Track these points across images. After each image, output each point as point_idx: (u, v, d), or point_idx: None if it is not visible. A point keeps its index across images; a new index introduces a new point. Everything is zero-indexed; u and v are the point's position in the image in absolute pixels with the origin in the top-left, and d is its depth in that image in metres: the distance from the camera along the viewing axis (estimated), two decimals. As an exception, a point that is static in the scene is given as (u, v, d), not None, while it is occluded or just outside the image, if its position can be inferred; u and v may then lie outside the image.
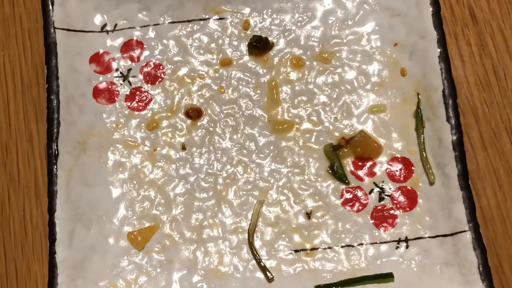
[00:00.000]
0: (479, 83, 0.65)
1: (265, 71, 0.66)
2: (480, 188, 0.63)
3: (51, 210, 0.59)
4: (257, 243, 0.61)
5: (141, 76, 0.66)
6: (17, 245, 0.62)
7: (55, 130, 0.61)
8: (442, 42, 0.63)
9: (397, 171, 0.63)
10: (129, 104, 0.65)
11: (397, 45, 0.66)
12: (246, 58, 0.66)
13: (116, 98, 0.65)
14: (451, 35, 0.66)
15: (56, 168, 0.60)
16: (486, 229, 0.61)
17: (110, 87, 0.65)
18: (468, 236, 0.58)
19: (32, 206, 0.63)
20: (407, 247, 0.60)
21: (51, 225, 0.59)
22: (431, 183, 0.61)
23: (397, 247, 0.60)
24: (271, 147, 0.64)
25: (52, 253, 0.58)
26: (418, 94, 0.63)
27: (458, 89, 0.63)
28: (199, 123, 0.65)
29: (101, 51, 0.66)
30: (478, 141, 0.64)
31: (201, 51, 0.66)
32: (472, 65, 0.66)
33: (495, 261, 0.60)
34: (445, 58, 0.63)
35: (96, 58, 0.65)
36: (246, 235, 0.61)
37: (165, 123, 0.65)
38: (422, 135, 0.63)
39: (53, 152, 0.60)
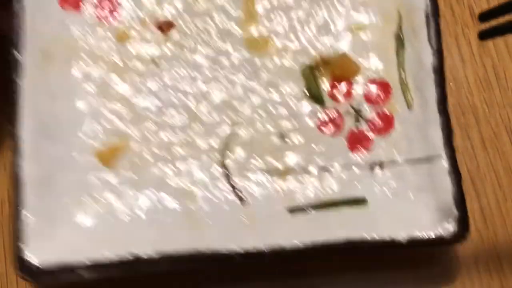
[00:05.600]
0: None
1: (241, -16, 0.63)
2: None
3: (15, 122, 0.56)
4: (229, 164, 0.59)
5: (110, -16, 0.62)
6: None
7: (19, 39, 0.57)
8: (429, -43, 0.61)
9: (374, 93, 0.61)
10: (97, 12, 0.61)
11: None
12: (222, -32, 0.63)
13: (83, 6, 0.61)
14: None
15: (20, 79, 0.56)
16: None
17: (76, -7, 0.61)
18: (443, 162, 0.57)
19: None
20: (381, 171, 0.59)
21: (15, 138, 0.56)
22: (409, 107, 0.60)
23: (372, 171, 0.59)
24: (245, 64, 0.61)
25: (17, 167, 0.55)
26: (399, 14, 0.61)
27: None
28: (170, 36, 0.61)
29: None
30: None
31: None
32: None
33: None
34: (430, -24, 0.61)
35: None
36: (218, 155, 0.59)
37: (134, 34, 0.61)
38: (402, 57, 0.61)
39: (17, 62, 0.56)
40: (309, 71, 0.61)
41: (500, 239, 0.61)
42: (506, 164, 0.62)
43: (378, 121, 0.61)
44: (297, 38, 0.62)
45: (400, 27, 0.61)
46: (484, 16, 0.45)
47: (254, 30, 0.62)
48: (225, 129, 0.60)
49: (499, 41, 0.65)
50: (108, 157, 0.59)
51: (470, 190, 0.61)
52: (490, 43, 0.65)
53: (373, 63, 0.62)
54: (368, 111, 0.61)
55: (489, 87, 0.64)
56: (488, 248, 0.59)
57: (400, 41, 0.61)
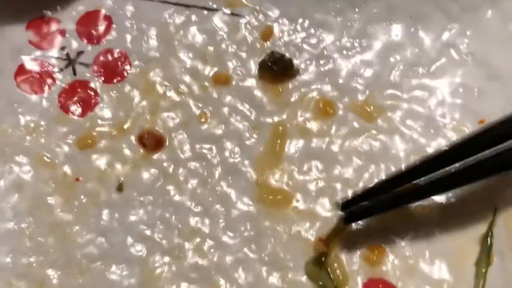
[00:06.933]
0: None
1: (274, 107, 0.44)
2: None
3: None
4: None
5: (94, 67, 0.44)
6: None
7: None
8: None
9: (429, 320, 0.39)
10: (63, 101, 0.44)
11: (483, 123, 0.42)
12: (253, 81, 0.44)
13: (46, 88, 0.44)
14: None
15: None
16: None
17: (43, 69, 0.44)
18: None
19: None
20: None
21: None
22: None
23: None
24: (248, 224, 0.41)
25: None
26: (495, 209, 0.40)
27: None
28: (154, 157, 0.43)
29: (49, 14, 0.45)
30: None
31: (191, 54, 0.45)
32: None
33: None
34: (554, 164, 0.39)
35: (37, 24, 0.45)
36: None
37: (105, 143, 0.43)
38: (484, 276, 0.39)
39: None
40: (320, 270, 0.40)
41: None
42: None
43: None
44: (334, 203, 0.42)
45: (491, 229, 0.40)
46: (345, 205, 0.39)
47: (273, 178, 0.42)
48: (190, 313, 0.39)
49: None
50: (8, 310, 0.40)
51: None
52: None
53: (437, 271, 0.40)
54: None
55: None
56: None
57: (486, 250, 0.39)
